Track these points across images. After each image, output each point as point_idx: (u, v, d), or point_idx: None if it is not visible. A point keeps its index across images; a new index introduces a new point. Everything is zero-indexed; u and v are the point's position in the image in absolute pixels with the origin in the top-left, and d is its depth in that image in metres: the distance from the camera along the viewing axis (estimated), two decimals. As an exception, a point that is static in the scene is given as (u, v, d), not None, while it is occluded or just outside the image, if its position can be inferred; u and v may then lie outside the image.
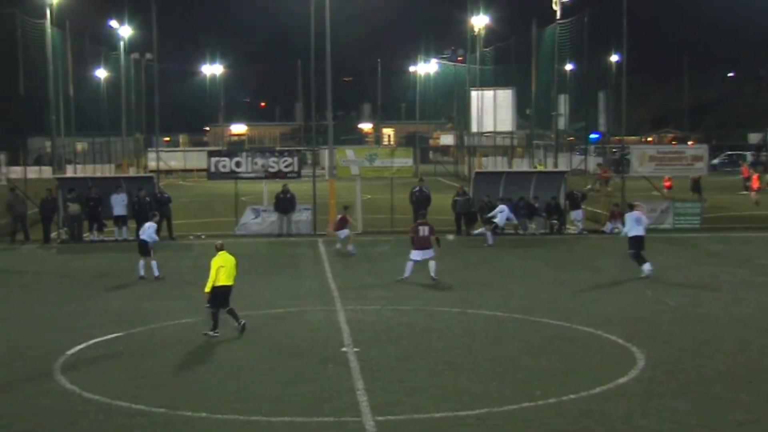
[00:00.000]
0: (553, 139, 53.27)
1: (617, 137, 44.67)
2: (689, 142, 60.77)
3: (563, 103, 54.63)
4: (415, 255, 24.25)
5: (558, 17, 46.91)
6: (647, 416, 13.24)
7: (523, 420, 13.16)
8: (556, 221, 35.18)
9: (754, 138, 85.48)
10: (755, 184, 44.73)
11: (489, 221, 32.31)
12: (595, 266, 27.15)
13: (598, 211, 38.50)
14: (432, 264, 24.18)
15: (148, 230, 24.85)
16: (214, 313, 18.32)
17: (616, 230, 33.09)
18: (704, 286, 23.82)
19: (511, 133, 60.41)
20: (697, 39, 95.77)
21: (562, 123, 55.17)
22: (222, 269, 18.35)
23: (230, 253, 18.78)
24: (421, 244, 24.16)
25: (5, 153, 49.85)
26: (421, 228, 24.30)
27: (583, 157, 44.99)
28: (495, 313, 20.53)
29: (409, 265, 24.28)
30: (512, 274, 26.33)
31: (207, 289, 18.34)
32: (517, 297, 22.47)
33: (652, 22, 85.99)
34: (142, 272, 24.92)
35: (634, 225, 24.86)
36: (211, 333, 18.18)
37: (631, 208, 26.27)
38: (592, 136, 65.41)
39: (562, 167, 43.72)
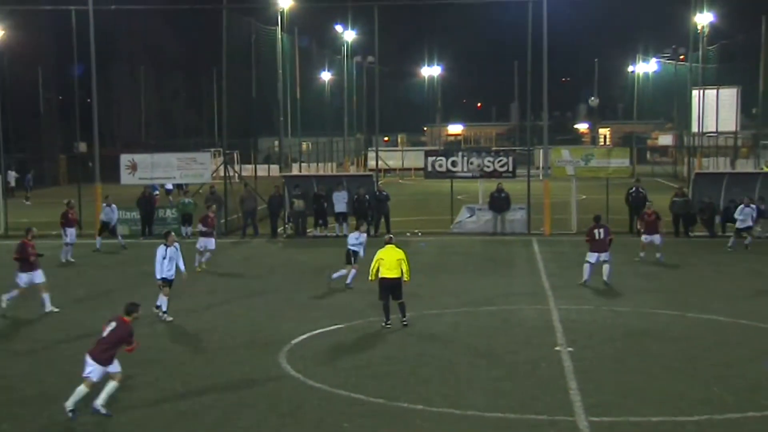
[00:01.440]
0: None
1: None
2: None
3: (794, 102, 51.60)
4: (591, 257, 23.55)
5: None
6: None
7: (747, 430, 12.56)
8: (782, 225, 33.24)
9: None
10: None
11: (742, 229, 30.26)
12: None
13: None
14: (606, 267, 23.41)
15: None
16: (384, 304, 18.83)
17: None
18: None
19: (734, 133, 57.71)
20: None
21: (791, 122, 52.13)
22: (381, 261, 18.87)
23: (398, 247, 19.12)
24: (598, 246, 23.49)
25: (238, 152, 52.54)
26: (596, 231, 23.60)
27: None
28: (717, 317, 19.68)
29: (587, 267, 23.62)
30: (736, 278, 25.11)
31: (371, 277, 19.18)
32: (741, 301, 21.43)
33: None
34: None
35: None
36: (383, 324, 18.76)
37: None
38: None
39: (790, 168, 41.24)
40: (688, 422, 12.81)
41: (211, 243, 27.06)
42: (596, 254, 23.55)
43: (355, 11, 59.62)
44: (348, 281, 23.35)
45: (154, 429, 13.01)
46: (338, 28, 67.92)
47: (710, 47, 59.70)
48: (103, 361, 13.19)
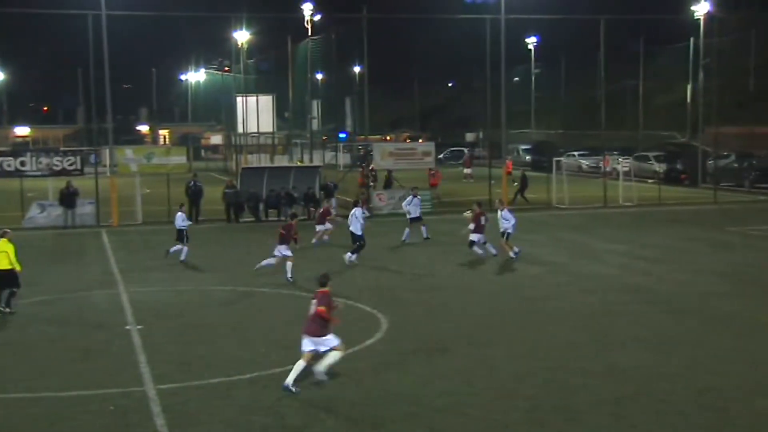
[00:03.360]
0: (309, 138, 53.76)
1: (362, 136, 45.69)
2: (420, 140, 63.08)
3: (316, 108, 55.18)
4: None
5: (310, 34, 47.23)
6: (391, 371, 13.65)
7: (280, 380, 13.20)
8: (313, 208, 35.49)
9: (470, 137, 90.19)
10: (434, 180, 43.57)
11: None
12: (346, 244, 27.51)
13: (349, 199, 39.13)
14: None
15: None
16: None
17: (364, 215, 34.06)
18: (437, 258, 24.82)
19: (272, 133, 60.30)
20: (426, 55, 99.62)
21: (315, 124, 55.74)
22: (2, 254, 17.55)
23: (11, 241, 17.71)
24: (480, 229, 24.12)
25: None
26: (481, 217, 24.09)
27: (334, 153, 45.67)
28: (263, 289, 20.42)
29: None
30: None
31: None
32: (281, 274, 22.40)
33: (389, 39, 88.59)
34: None
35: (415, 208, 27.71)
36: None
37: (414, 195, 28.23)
38: (341, 135, 66.46)
39: (316, 162, 44.11)
40: (241, 380, 13.15)
41: None
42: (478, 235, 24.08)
43: None
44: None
45: None
46: None
47: (250, 60, 61.74)
48: (317, 334, 12.47)
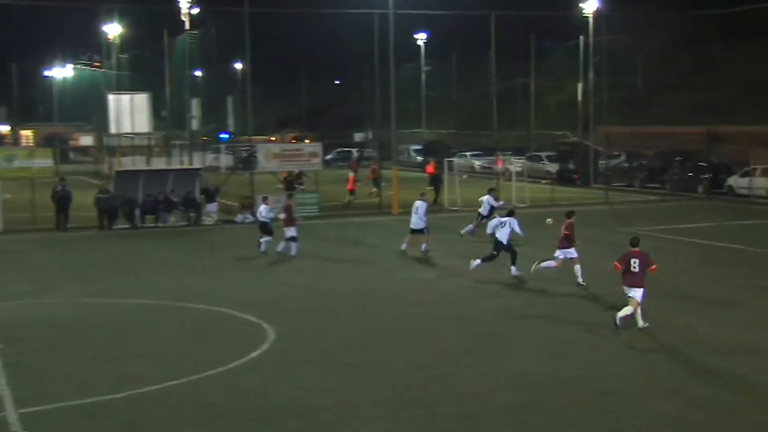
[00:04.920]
0: (188, 139, 52.74)
1: (245, 137, 45.15)
2: (306, 141, 62.91)
3: (196, 106, 54.23)
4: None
5: (187, 28, 46.38)
6: (277, 383, 13.48)
7: (172, 396, 12.84)
8: (193, 214, 34.85)
9: (359, 137, 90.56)
10: (351, 185, 44.14)
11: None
12: (230, 253, 27.16)
13: (231, 203, 38.63)
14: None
15: None
16: None
17: (247, 220, 33.86)
18: (325, 265, 24.72)
19: (148, 134, 58.86)
20: (311, 51, 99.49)
21: (195, 124, 54.75)
22: None
23: None
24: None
25: None
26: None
27: (216, 155, 44.95)
28: (141, 300, 19.86)
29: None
30: (154, 264, 25.59)
31: None
32: (160, 285, 21.91)
33: (273, 35, 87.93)
34: None
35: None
36: None
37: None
38: (223, 135, 65.60)
39: (196, 164, 43.30)
40: (117, 399, 12.71)
41: None
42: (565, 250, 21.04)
43: None
44: None
45: None
46: None
47: (123, 56, 60.14)
48: (639, 286, 16.05)
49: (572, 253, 20.69)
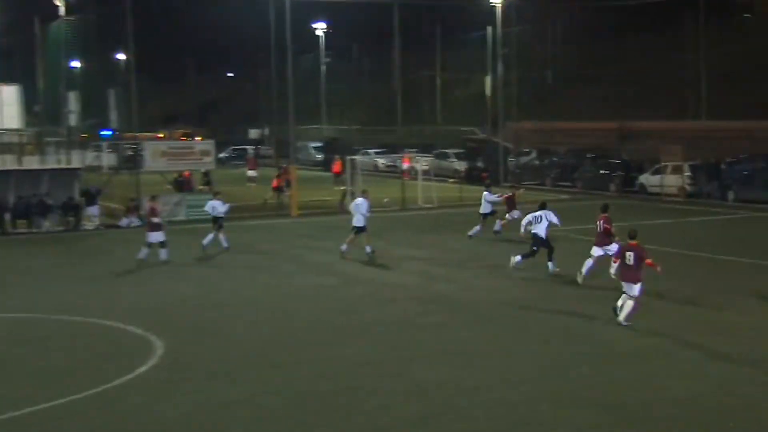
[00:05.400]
0: (66, 135, 51.36)
1: (130, 133, 44.33)
2: (197, 138, 62.18)
3: (73, 100, 52.88)
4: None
5: (62, 13, 45.22)
6: (166, 400, 13.35)
7: (48, 420, 12.57)
8: (72, 218, 34.07)
9: (254, 134, 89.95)
10: (275, 183, 43.63)
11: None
12: (114, 260, 26.67)
13: (115, 206, 37.93)
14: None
15: None
16: None
17: (132, 224, 33.36)
18: (219, 272, 24.52)
19: (19, 130, 57.14)
20: (201, 42, 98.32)
21: (73, 120, 53.40)
22: None
23: None
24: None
25: None
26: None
27: (97, 153, 44.00)
28: (15, 315, 19.33)
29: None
30: (28, 275, 24.92)
31: None
32: (36, 297, 21.34)
33: (159, 24, 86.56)
34: None
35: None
36: None
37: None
38: (104, 132, 64.24)
39: (75, 164, 42.30)
40: (4, 420, 12.40)
41: None
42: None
43: None
44: None
45: None
46: None
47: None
48: (632, 281, 16.69)
49: (612, 249, 19.74)
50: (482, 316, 18.56)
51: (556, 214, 23.11)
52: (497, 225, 29.76)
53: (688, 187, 42.46)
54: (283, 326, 18.10)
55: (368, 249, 25.64)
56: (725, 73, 57.40)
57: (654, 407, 12.64)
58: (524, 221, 23.33)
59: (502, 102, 54.10)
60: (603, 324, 17.35)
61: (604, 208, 21.72)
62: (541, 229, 22.51)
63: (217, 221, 27.62)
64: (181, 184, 41.52)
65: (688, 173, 43.02)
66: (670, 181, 43.51)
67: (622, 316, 16.85)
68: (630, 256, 16.70)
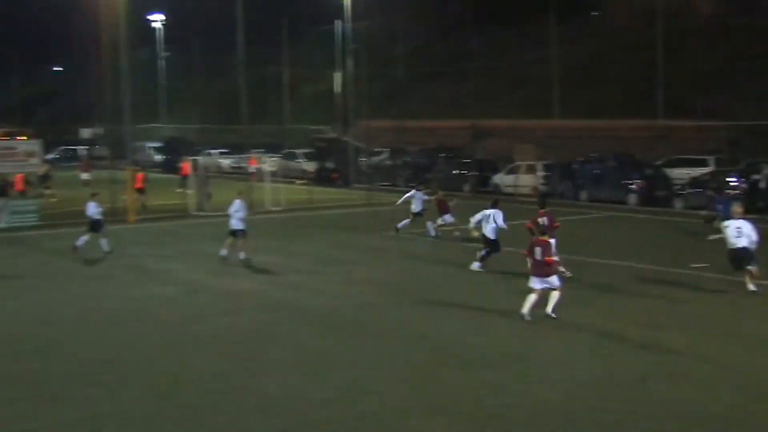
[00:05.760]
0: None
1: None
2: (22, 137, 59.76)
3: None
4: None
5: None
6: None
7: None
8: None
9: (86, 133, 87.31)
10: (138, 183, 41.99)
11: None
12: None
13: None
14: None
15: None
16: None
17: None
18: (45, 284, 23.57)
19: None
20: (26, 32, 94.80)
21: None
22: None
23: None
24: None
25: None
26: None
27: None
28: None
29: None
30: None
31: None
32: None
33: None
34: None
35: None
36: None
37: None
38: None
39: None
40: None
41: None
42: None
43: None
44: None
45: None
46: None
47: None
48: (543, 275, 17.46)
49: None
50: (334, 324, 18.49)
51: (504, 215, 23.60)
52: (431, 230, 30.14)
53: (541, 187, 43.66)
54: (119, 340, 17.47)
55: (243, 255, 25.39)
56: (577, 70, 59.51)
57: (517, 411, 12.85)
58: (474, 219, 23.98)
59: (352, 100, 54.39)
60: (455, 329, 17.56)
61: (542, 204, 22.88)
62: (490, 231, 23.34)
63: (94, 225, 27.50)
64: (3, 189, 39.71)
65: (541, 173, 44.28)
66: (524, 180, 44.69)
67: (549, 308, 17.72)
68: (538, 252, 17.57)
